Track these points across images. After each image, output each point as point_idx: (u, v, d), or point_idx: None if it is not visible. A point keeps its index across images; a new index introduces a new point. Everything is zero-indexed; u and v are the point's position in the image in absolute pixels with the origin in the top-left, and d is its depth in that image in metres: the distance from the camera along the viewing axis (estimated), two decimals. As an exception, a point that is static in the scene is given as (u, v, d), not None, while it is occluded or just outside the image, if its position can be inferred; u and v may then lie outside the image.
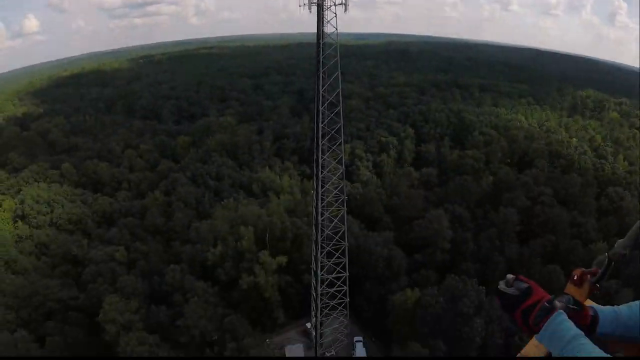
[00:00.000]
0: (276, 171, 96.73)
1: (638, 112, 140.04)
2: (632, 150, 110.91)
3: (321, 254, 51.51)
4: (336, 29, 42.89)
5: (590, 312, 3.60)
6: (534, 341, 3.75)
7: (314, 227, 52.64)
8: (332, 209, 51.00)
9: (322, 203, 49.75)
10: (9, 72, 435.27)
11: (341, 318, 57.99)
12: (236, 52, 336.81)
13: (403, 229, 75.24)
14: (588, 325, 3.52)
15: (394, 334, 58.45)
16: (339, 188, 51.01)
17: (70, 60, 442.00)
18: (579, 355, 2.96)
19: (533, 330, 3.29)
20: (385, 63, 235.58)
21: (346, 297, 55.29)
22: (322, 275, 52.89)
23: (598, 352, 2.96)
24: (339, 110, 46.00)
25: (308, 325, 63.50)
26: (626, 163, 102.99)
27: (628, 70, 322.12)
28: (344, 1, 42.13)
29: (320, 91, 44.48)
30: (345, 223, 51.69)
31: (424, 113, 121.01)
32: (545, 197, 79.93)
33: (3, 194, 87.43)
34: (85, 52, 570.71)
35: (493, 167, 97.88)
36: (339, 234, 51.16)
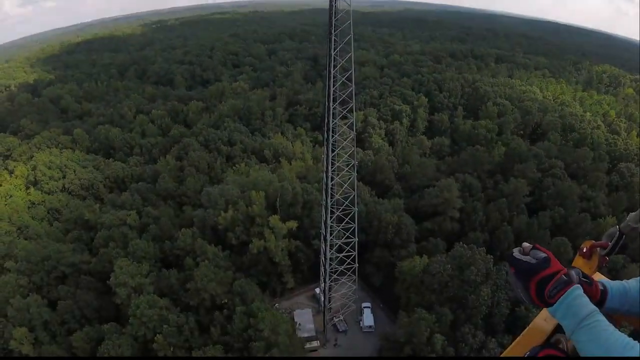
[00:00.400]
0: (288, 137, 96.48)
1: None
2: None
3: (331, 218, 51.70)
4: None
5: (600, 287, 3.50)
6: (543, 314, 3.64)
7: (323, 192, 52.66)
8: (342, 173, 50.86)
9: (332, 167, 49.58)
10: (20, 39, 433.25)
11: (350, 283, 58.66)
12: (250, 18, 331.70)
13: (413, 197, 75.29)
14: (597, 299, 3.41)
15: (402, 300, 59.10)
16: (349, 153, 50.72)
17: (82, 27, 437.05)
18: (594, 330, 2.84)
19: (547, 302, 3.09)
20: (400, 31, 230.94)
21: (355, 263, 55.81)
22: (332, 240, 53.23)
23: (612, 329, 2.82)
24: (351, 74, 45.24)
25: (317, 290, 64.48)
26: (639, 139, 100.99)
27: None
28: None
29: (332, 54, 43.62)
30: (356, 189, 51.64)
31: (438, 82, 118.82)
32: (556, 170, 79.27)
33: (15, 160, 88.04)
34: (97, 18, 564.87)
35: (505, 138, 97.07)
36: (348, 199, 51.21)
